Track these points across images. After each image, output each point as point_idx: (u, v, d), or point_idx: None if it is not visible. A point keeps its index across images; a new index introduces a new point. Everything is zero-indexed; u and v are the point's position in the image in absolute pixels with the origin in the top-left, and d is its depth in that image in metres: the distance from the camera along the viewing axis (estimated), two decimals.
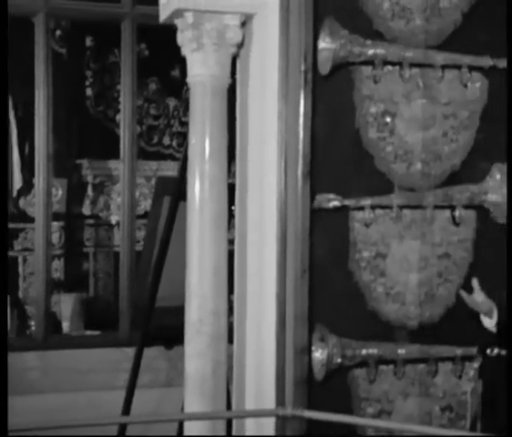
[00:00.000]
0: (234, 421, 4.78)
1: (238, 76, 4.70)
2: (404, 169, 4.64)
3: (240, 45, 4.70)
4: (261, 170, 4.70)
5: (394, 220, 4.64)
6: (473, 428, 4.00)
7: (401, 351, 4.65)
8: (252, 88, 4.66)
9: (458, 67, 4.67)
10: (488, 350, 4.13)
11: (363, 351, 4.59)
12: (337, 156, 4.65)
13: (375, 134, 4.60)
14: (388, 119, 4.61)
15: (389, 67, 4.60)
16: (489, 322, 4.25)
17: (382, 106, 4.60)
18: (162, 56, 8.74)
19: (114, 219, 9.25)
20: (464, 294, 4.33)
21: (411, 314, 4.67)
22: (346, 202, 4.56)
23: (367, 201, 4.59)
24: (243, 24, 4.68)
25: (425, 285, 4.67)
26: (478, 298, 4.17)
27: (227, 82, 4.69)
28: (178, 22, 4.69)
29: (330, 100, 4.63)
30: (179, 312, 4.78)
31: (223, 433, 4.64)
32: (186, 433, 4.69)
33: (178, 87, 9.37)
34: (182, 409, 4.84)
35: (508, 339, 4.36)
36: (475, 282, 4.21)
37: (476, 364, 4.00)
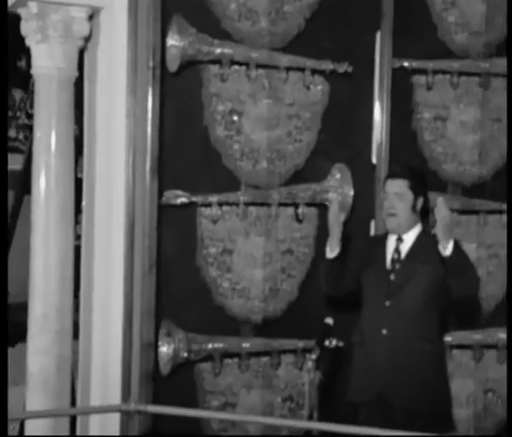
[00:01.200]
0: (78, 418, 4.50)
1: (85, 70, 4.49)
2: (250, 167, 4.58)
3: (88, 39, 4.47)
4: (109, 165, 4.47)
5: (241, 217, 4.56)
6: (310, 417, 3.89)
7: (245, 345, 4.59)
8: (100, 83, 4.46)
9: (302, 70, 4.66)
10: (327, 342, 3.97)
11: (209, 346, 4.51)
12: (185, 153, 4.51)
13: (223, 132, 4.52)
14: (235, 118, 4.53)
15: (236, 67, 4.53)
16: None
17: (229, 104, 4.52)
18: (7, 45, 8.13)
19: None
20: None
21: (255, 309, 4.62)
22: (194, 199, 4.45)
23: (214, 198, 4.49)
24: (91, 17, 4.43)
25: (270, 280, 4.64)
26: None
27: (74, 75, 4.43)
28: (21, 11, 4.38)
29: (178, 97, 4.48)
30: (22, 309, 4.43)
31: (66, 432, 4.36)
32: (27, 433, 4.41)
33: (24, 79, 8.77)
34: (24, 407, 4.40)
35: (508, 339, 4.38)
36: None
37: (314, 356, 3.79)
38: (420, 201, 4.20)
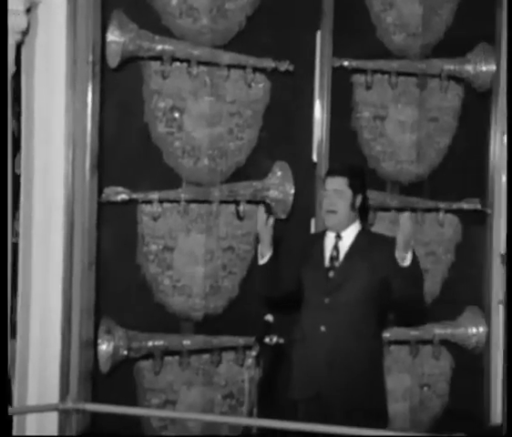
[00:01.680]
0: (15, 418, 4.27)
1: (23, 64, 4.32)
2: (191, 164, 4.51)
3: (26, 32, 4.27)
4: (48, 161, 4.34)
5: (182, 214, 4.48)
6: (250, 414, 3.79)
7: (186, 343, 4.51)
8: (38, 77, 4.32)
9: (243, 68, 4.60)
10: (267, 339, 4.00)
11: (150, 343, 4.42)
12: (126, 149, 4.40)
13: (164, 129, 4.44)
14: (176, 115, 4.45)
15: (177, 64, 4.45)
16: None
17: (170, 101, 4.44)
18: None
19: None
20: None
21: (196, 306, 4.55)
22: (134, 196, 4.36)
23: (155, 195, 4.41)
24: (28, 10, 4.28)
25: (210, 277, 4.57)
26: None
27: (11, 69, 4.25)
28: None
29: (119, 93, 4.38)
30: None
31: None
32: None
33: None
34: None
35: (508, 340, 4.38)
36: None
37: (254, 352, 3.79)
38: (359, 199, 4.18)
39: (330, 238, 4.21)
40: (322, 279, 4.14)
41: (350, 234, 4.18)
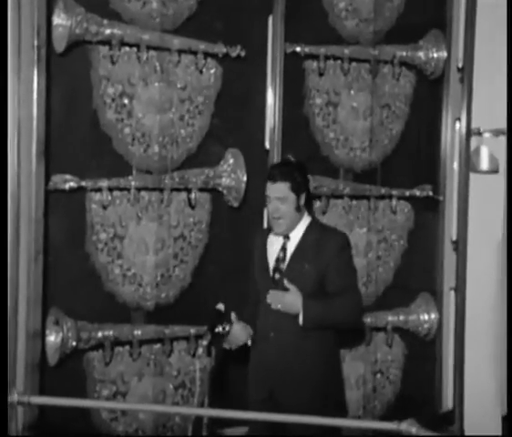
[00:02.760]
0: None
1: None
2: (141, 152, 4.41)
3: None
4: None
5: (132, 202, 4.40)
6: (201, 404, 3.75)
7: (137, 332, 4.44)
8: None
9: (194, 53, 4.51)
10: (220, 328, 3.85)
11: (99, 334, 4.35)
12: (74, 136, 4.29)
13: (113, 115, 4.34)
14: (126, 101, 4.36)
15: (126, 49, 4.35)
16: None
17: (119, 87, 4.35)
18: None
19: None
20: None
21: (147, 295, 4.47)
22: (83, 183, 4.27)
23: (105, 183, 4.32)
24: None
25: (162, 266, 4.50)
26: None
27: None
28: None
29: (67, 79, 4.25)
30: None
31: None
32: None
33: None
34: None
35: (509, 338, 4.27)
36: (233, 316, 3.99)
37: (205, 342, 3.71)
38: (303, 197, 3.97)
39: (278, 239, 4.01)
40: (269, 281, 3.97)
41: (298, 233, 3.98)
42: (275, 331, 3.94)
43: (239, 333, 3.97)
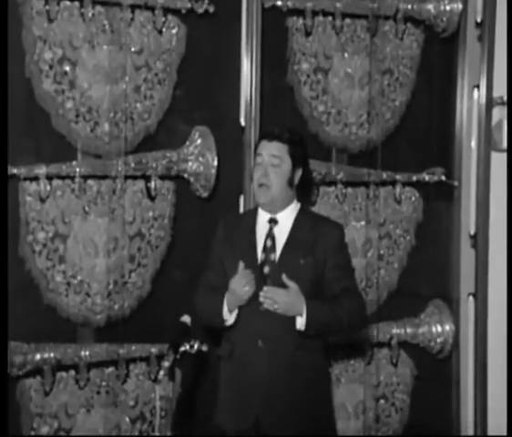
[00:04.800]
0: None
1: None
2: (88, 131, 4.28)
3: None
4: None
5: (77, 193, 4.28)
6: None
7: (84, 353, 4.32)
8: None
9: (151, 9, 4.35)
10: (187, 346, 3.73)
11: (37, 356, 4.22)
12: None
13: (51, 86, 4.19)
14: (67, 68, 4.22)
15: (67, 3, 4.18)
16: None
17: (59, 51, 4.19)
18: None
19: None
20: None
21: (97, 308, 4.36)
22: (15, 171, 4.12)
23: (42, 170, 4.19)
24: None
25: (115, 272, 4.38)
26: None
27: None
28: None
29: None
30: None
31: None
32: None
33: None
34: None
35: (509, 343, 4.31)
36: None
37: (167, 363, 3.61)
38: (298, 174, 3.83)
39: (262, 223, 3.81)
40: (255, 275, 3.73)
41: (287, 217, 3.83)
42: (265, 340, 3.72)
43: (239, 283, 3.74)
